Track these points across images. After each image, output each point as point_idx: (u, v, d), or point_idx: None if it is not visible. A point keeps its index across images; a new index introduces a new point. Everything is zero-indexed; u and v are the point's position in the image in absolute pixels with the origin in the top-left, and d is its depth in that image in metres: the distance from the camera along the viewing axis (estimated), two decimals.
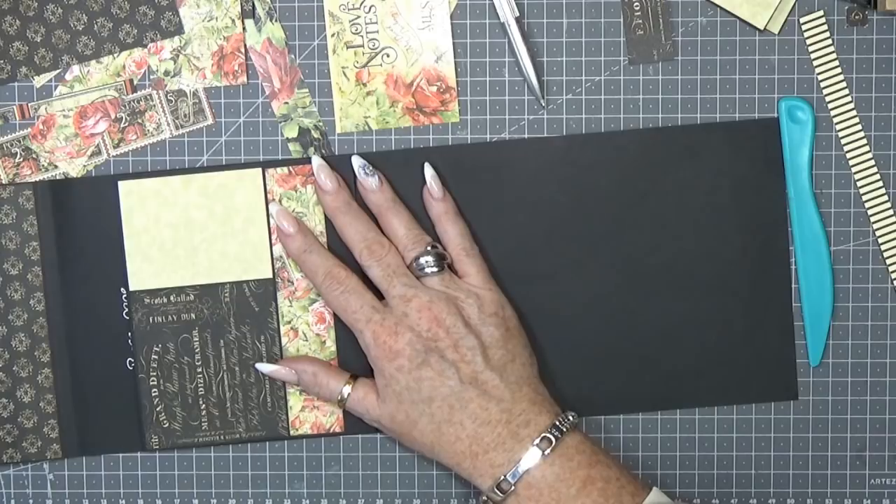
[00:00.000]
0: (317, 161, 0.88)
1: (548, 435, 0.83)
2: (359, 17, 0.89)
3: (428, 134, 0.90)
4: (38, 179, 0.90)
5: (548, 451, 0.83)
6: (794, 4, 0.90)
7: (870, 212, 0.90)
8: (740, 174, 0.90)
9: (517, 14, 0.89)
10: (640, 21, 0.90)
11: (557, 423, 0.83)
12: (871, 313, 0.91)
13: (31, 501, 0.92)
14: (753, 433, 0.92)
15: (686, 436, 0.92)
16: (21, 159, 0.90)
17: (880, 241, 0.91)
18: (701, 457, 0.92)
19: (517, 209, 0.90)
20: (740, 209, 0.90)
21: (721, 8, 0.89)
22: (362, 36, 0.89)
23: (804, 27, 0.90)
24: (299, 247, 0.88)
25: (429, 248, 0.87)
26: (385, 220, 0.88)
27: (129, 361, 0.90)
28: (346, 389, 0.88)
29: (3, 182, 0.90)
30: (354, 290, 0.86)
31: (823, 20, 0.90)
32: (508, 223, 0.90)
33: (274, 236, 0.89)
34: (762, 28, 0.89)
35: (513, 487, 0.82)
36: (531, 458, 0.82)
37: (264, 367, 0.89)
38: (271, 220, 0.89)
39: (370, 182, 0.88)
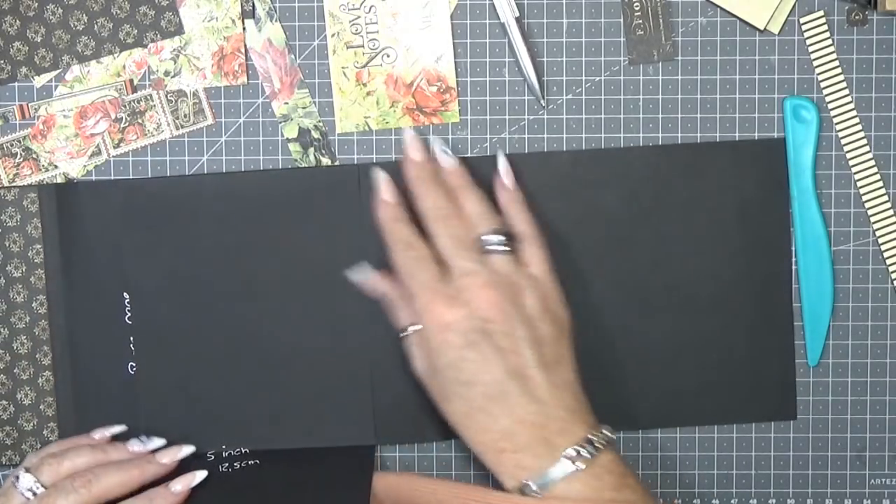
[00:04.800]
0: (409, 133, 0.88)
1: (581, 449, 0.80)
2: (359, 17, 0.89)
3: (428, 134, 0.90)
4: (40, 181, 0.90)
5: (579, 466, 0.80)
6: (794, 4, 0.90)
7: (870, 212, 0.91)
8: (745, 194, 0.90)
9: (517, 14, 0.89)
10: (640, 21, 0.89)
11: (592, 437, 0.81)
12: (871, 313, 0.91)
13: None
14: (753, 433, 0.92)
15: (686, 435, 0.92)
16: (21, 159, 0.90)
17: (880, 241, 0.91)
18: (701, 457, 0.92)
19: None
20: (744, 229, 0.90)
21: (721, 8, 0.89)
22: (362, 36, 0.89)
23: (804, 27, 0.90)
24: (391, 216, 0.86)
25: (499, 226, 0.85)
26: (460, 197, 0.86)
27: (131, 366, 0.90)
28: (412, 328, 0.85)
29: (4, 183, 0.90)
30: (426, 258, 0.84)
31: (823, 20, 0.90)
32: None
33: None
34: (762, 28, 0.89)
35: (537, 495, 0.79)
36: (560, 470, 0.79)
37: (357, 275, 0.88)
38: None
39: (449, 161, 0.87)
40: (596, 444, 0.80)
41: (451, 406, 0.82)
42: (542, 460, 0.80)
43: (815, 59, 0.90)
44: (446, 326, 0.82)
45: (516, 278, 0.84)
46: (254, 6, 0.89)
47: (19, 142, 0.90)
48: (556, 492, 0.79)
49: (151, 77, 0.90)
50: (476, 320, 0.82)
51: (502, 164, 0.88)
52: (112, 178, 0.90)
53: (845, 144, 0.90)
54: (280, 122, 0.90)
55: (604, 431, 0.81)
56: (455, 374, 0.82)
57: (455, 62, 0.90)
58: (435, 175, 0.87)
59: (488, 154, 0.90)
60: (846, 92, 0.90)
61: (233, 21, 0.89)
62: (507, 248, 0.84)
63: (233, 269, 0.89)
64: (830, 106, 0.90)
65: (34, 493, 0.84)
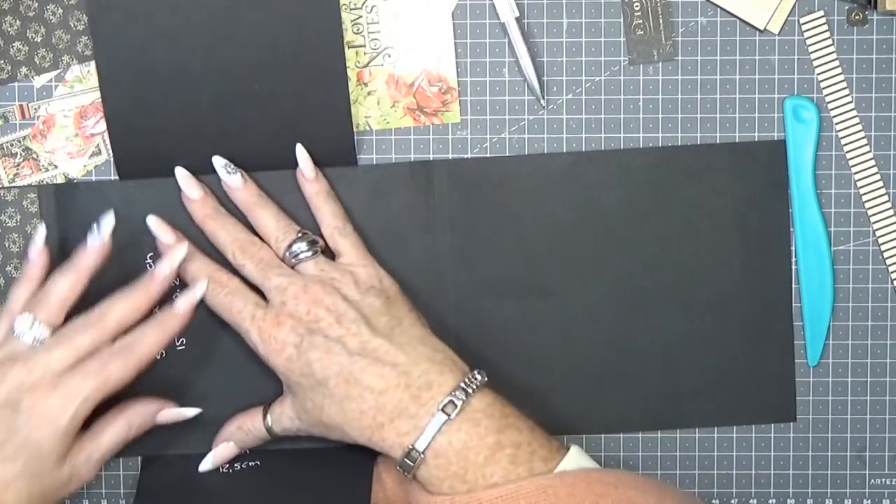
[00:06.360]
0: (182, 172, 0.88)
1: (452, 398, 0.79)
2: (360, 16, 0.89)
3: (428, 134, 0.90)
4: (40, 181, 0.90)
5: (453, 415, 0.79)
6: (794, 4, 0.90)
7: (870, 212, 0.91)
8: (744, 196, 0.90)
9: (517, 14, 0.89)
10: (640, 21, 0.90)
11: (463, 384, 0.80)
12: (871, 313, 0.91)
13: None
14: (753, 433, 0.92)
15: (686, 435, 0.92)
16: (21, 159, 0.90)
17: (880, 241, 0.91)
18: (701, 457, 0.92)
19: (520, 225, 0.90)
20: (743, 231, 0.90)
21: (721, 8, 0.89)
22: (364, 36, 0.89)
23: (804, 27, 0.90)
24: (178, 256, 0.86)
25: (299, 234, 0.86)
26: (254, 215, 0.87)
27: None
28: (268, 420, 0.87)
29: (5, 183, 0.90)
30: (237, 290, 0.85)
31: (823, 20, 0.90)
32: (511, 239, 0.89)
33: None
34: (762, 28, 0.89)
35: (422, 456, 0.79)
36: (435, 424, 0.79)
37: (207, 465, 0.89)
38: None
39: (234, 180, 0.87)
40: (468, 390, 0.80)
41: (327, 413, 0.82)
42: (417, 419, 0.79)
43: (815, 59, 0.90)
44: (282, 346, 0.83)
45: (327, 273, 0.85)
46: None
47: (19, 142, 0.90)
48: (437, 447, 0.79)
49: None
50: (303, 325, 0.83)
51: (302, 155, 0.88)
52: (112, 178, 0.90)
53: (845, 144, 0.90)
54: None
55: (476, 375, 0.81)
56: (312, 381, 0.82)
57: (456, 62, 0.90)
58: (218, 208, 0.88)
59: (489, 154, 0.90)
60: (846, 92, 0.90)
61: None
62: (312, 253, 0.85)
63: (234, 271, 0.89)
64: (830, 106, 0.90)
65: (37, 340, 0.82)
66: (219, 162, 0.88)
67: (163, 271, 0.85)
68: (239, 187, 0.87)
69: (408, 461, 0.79)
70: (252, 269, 0.85)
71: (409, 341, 0.82)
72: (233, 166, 0.87)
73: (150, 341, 0.83)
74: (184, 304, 0.84)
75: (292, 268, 0.85)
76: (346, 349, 0.81)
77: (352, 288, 0.84)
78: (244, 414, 0.88)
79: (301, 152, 0.88)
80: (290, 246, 0.85)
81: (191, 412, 0.87)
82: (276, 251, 0.86)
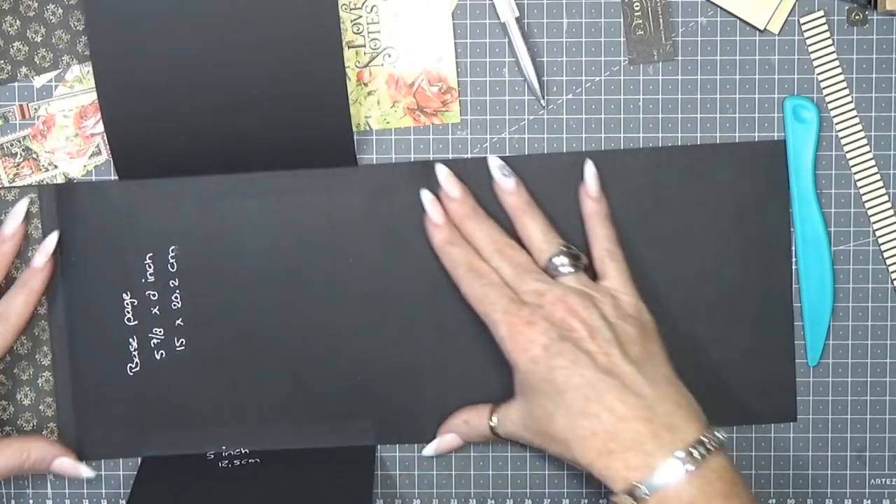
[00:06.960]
0: (443, 170, 0.88)
1: (693, 450, 0.77)
2: (360, 16, 0.89)
3: (428, 134, 0.90)
4: (40, 181, 0.90)
5: (690, 467, 0.77)
6: (794, 4, 0.90)
7: (870, 212, 0.91)
8: (745, 196, 0.89)
9: (517, 14, 0.89)
10: (640, 21, 0.90)
11: (704, 438, 0.78)
12: (871, 313, 0.91)
13: (31, 501, 0.92)
14: (753, 433, 0.92)
15: None
16: (21, 159, 0.90)
17: (880, 241, 0.91)
18: None
19: None
20: (744, 231, 0.90)
21: (721, 8, 0.89)
22: (364, 36, 0.89)
23: (804, 27, 0.90)
24: (445, 239, 0.87)
25: (563, 248, 0.85)
26: (520, 222, 0.87)
27: (130, 367, 0.90)
28: (493, 419, 0.86)
29: (5, 183, 0.90)
30: (495, 283, 0.84)
31: (823, 20, 0.90)
32: (512, 238, 0.89)
33: None
34: (762, 28, 0.89)
35: (646, 497, 0.76)
36: (671, 471, 0.77)
37: (430, 451, 0.90)
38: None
39: (507, 183, 0.88)
40: (707, 446, 0.78)
41: (556, 425, 0.80)
42: (651, 458, 0.77)
43: (815, 59, 0.90)
44: (530, 345, 0.81)
45: (588, 289, 0.84)
46: None
47: (19, 142, 0.90)
48: (665, 494, 0.77)
49: None
50: (556, 330, 0.81)
51: (590, 171, 0.88)
52: (112, 178, 0.90)
53: (845, 144, 0.90)
54: None
55: (716, 434, 0.79)
56: (550, 388, 0.80)
57: (456, 62, 0.90)
58: (476, 208, 0.88)
59: (489, 154, 0.90)
60: (846, 92, 0.90)
61: None
62: (574, 269, 0.85)
63: (233, 271, 0.89)
64: (830, 106, 0.90)
65: None
66: (495, 163, 0.88)
67: (9, 228, 0.88)
68: (512, 191, 0.88)
69: (629, 498, 0.77)
70: (508, 272, 0.85)
71: (657, 377, 0.81)
72: (508, 169, 0.88)
73: (19, 303, 0.87)
74: (40, 258, 0.88)
75: (552, 278, 0.85)
76: (595, 364, 0.80)
77: (611, 309, 0.83)
78: (472, 408, 0.88)
79: (590, 168, 0.88)
80: (552, 258, 0.85)
81: (85, 472, 0.89)
82: (538, 261, 0.85)
